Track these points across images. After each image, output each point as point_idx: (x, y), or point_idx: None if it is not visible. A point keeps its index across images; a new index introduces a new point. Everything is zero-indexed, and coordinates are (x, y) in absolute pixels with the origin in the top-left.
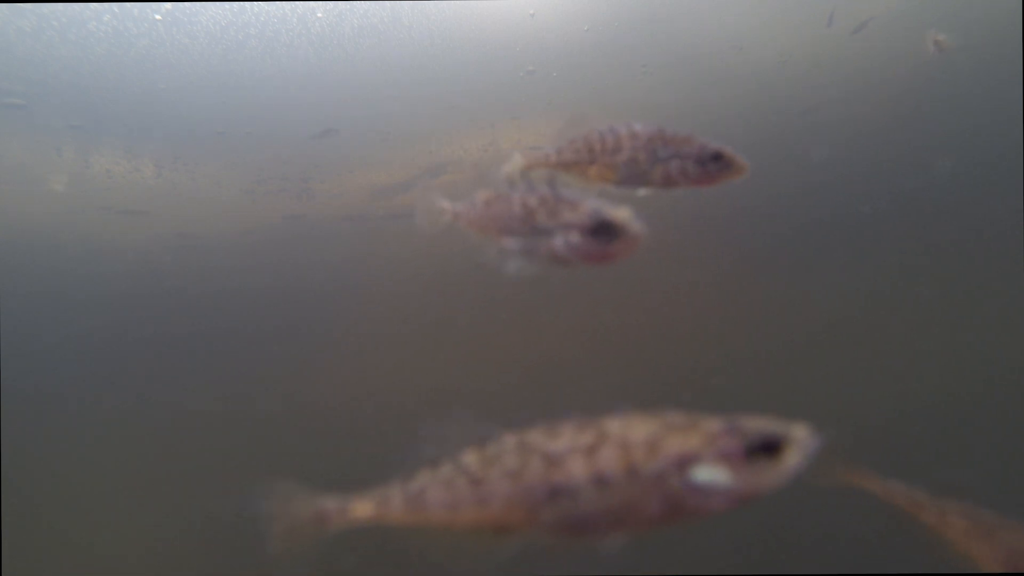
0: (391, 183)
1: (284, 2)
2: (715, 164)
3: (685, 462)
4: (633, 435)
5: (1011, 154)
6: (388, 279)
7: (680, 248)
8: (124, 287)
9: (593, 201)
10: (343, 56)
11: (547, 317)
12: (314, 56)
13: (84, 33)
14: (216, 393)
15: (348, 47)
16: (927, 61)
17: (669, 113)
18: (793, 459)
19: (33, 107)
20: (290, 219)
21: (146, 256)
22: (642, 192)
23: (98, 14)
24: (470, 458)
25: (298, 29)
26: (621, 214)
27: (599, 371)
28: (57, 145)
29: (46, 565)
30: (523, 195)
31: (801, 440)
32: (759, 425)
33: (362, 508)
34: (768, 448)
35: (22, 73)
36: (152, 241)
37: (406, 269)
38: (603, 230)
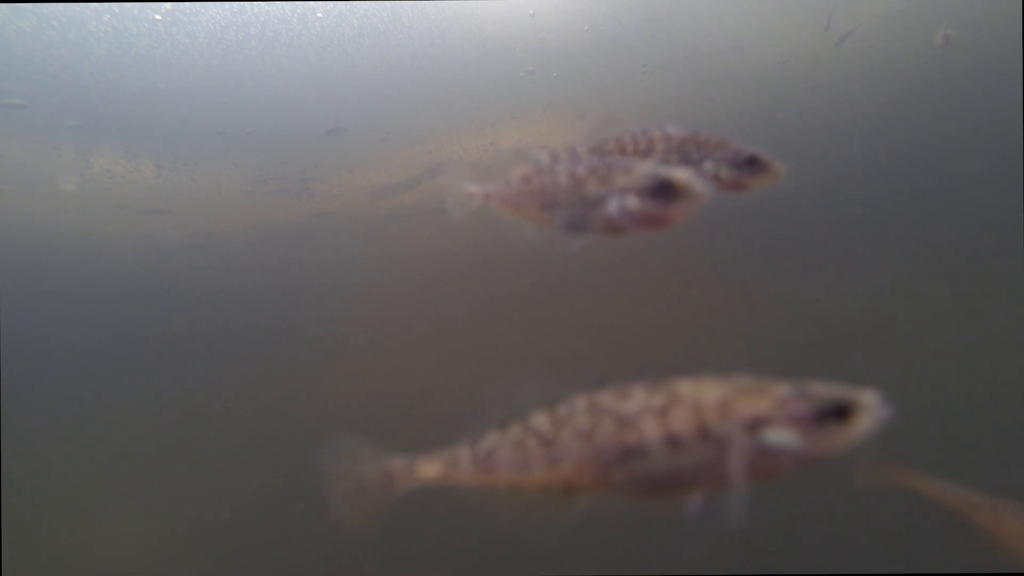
0: (391, 183)
1: (284, 2)
2: (750, 168)
3: (756, 424)
4: (704, 397)
5: (1011, 154)
6: (388, 279)
7: (681, 247)
8: (124, 287)
9: (647, 164)
10: (343, 56)
11: (549, 316)
12: (314, 56)
13: (84, 33)
14: (216, 393)
15: (348, 47)
16: (927, 61)
17: (669, 113)
18: (862, 425)
19: (33, 107)
20: (321, 216)
21: (146, 256)
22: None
23: (98, 14)
24: (540, 419)
25: (298, 29)
26: (681, 174)
27: (600, 370)
28: (57, 145)
29: (46, 565)
30: (569, 166)
31: (870, 406)
32: (827, 390)
33: (429, 468)
34: (837, 413)
35: (22, 73)
36: (152, 241)
37: (407, 268)
38: (663, 191)
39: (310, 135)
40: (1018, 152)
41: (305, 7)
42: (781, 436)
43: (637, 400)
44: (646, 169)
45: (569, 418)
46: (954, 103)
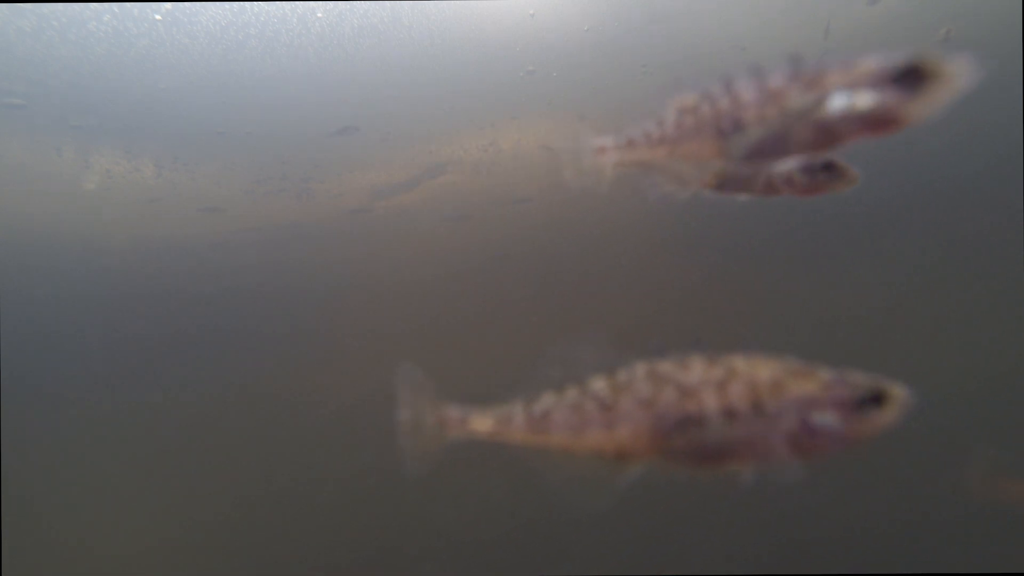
0: (391, 183)
1: (284, 2)
2: (825, 174)
3: (805, 405)
4: (758, 375)
5: (1011, 154)
6: (389, 279)
7: (682, 246)
8: (124, 287)
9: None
10: (343, 56)
11: (552, 315)
12: (314, 56)
13: (84, 33)
14: (216, 392)
15: (348, 47)
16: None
17: None
18: (894, 413)
19: (33, 107)
20: (324, 216)
21: (146, 256)
22: (741, 199)
23: (98, 14)
24: (599, 384)
25: (298, 29)
26: (930, 54)
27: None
28: (57, 145)
29: (46, 565)
30: (755, 79)
31: (901, 397)
32: (865, 379)
33: (482, 422)
34: (873, 401)
35: (22, 73)
36: (152, 241)
37: (407, 268)
38: (907, 77)
39: (310, 135)
40: (1018, 152)
41: (305, 7)
42: (826, 418)
43: (696, 372)
44: (873, 60)
45: (629, 384)
46: (954, 103)
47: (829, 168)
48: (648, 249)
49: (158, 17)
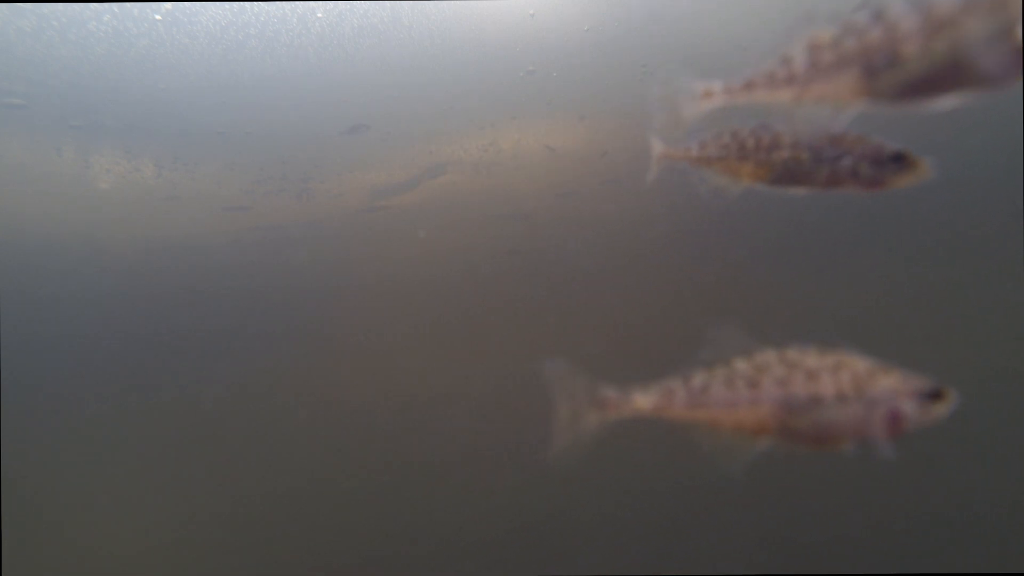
0: (391, 183)
1: (284, 2)
2: (894, 166)
3: (895, 394)
4: (858, 366)
5: (1011, 154)
6: (389, 279)
7: (683, 246)
8: (124, 287)
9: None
10: (343, 56)
11: (554, 314)
12: (314, 56)
13: (84, 33)
14: (216, 394)
15: (348, 47)
16: None
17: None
18: (947, 408)
19: (33, 107)
20: (322, 215)
21: (146, 256)
22: (797, 193)
23: (98, 14)
24: (741, 365)
25: (298, 29)
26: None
27: (605, 369)
28: (57, 145)
29: (46, 565)
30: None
31: (953, 396)
32: (923, 380)
33: (644, 400)
34: (934, 397)
35: (22, 73)
36: (152, 241)
37: (408, 268)
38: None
39: (310, 135)
40: (1018, 152)
41: (305, 7)
42: (910, 406)
43: (814, 359)
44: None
45: (767, 367)
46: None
47: (899, 159)
48: (657, 247)
49: (158, 17)
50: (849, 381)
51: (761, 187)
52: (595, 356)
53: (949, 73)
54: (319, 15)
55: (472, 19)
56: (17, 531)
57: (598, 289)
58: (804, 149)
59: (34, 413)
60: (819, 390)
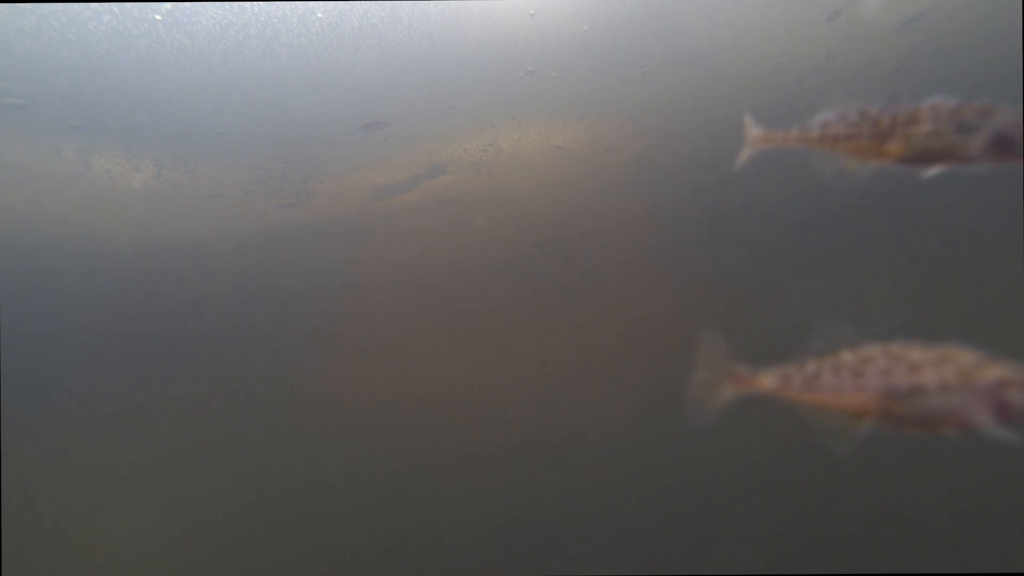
0: (391, 183)
1: (284, 2)
2: None
3: (1000, 384)
4: (963, 358)
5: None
6: (389, 278)
7: (684, 246)
8: (124, 287)
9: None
10: (343, 56)
11: (557, 314)
12: (314, 56)
13: (84, 33)
14: (216, 392)
15: (348, 47)
16: (927, 60)
17: (670, 112)
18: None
19: (33, 107)
20: (322, 215)
21: (146, 256)
22: (930, 172)
23: (98, 14)
24: (847, 356)
25: (298, 29)
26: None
27: (607, 368)
28: (57, 145)
29: (46, 565)
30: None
31: None
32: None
33: (768, 380)
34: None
35: (22, 73)
36: (152, 241)
37: (408, 268)
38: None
39: (310, 135)
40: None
41: (305, 7)
42: (1015, 396)
43: (917, 353)
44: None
45: (872, 358)
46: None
47: None
48: (659, 247)
49: (158, 17)
50: (954, 372)
51: (893, 167)
52: (595, 356)
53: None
54: (319, 15)
55: (472, 19)
56: (17, 531)
57: (599, 289)
58: (946, 121)
59: (34, 412)
60: (921, 380)
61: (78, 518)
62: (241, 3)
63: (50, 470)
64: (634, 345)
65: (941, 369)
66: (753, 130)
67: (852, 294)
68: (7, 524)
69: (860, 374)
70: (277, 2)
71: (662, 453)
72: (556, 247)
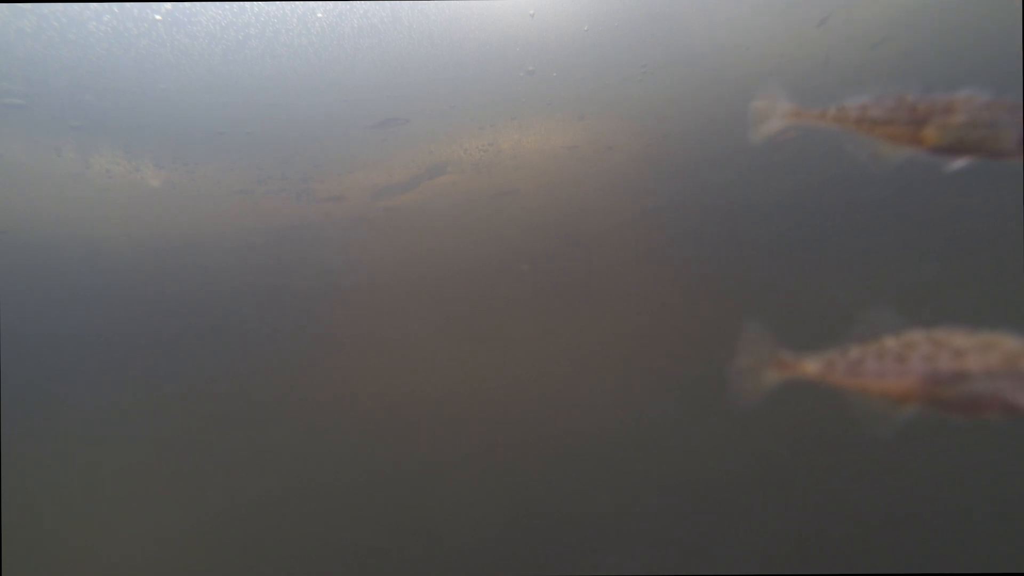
0: (391, 183)
1: (284, 2)
2: None
3: None
4: (1008, 345)
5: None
6: (389, 279)
7: (685, 246)
8: (124, 288)
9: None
10: (343, 56)
11: (558, 314)
12: (314, 56)
13: (84, 33)
14: (216, 394)
15: (348, 47)
16: (927, 60)
17: (671, 113)
18: None
19: (33, 107)
20: (322, 216)
21: (146, 256)
22: (958, 164)
23: (98, 14)
24: (890, 342)
25: (298, 29)
26: None
27: (609, 369)
28: (57, 145)
29: (46, 566)
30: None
31: None
32: None
33: (812, 366)
34: None
35: (22, 73)
36: (152, 241)
37: (408, 268)
38: None
39: (311, 135)
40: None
41: (305, 7)
42: None
43: (961, 339)
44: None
45: (915, 344)
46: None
47: None
48: (660, 248)
49: (158, 17)
50: (999, 358)
51: (923, 156)
52: (595, 356)
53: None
54: (319, 15)
55: (472, 19)
56: (17, 531)
57: (600, 289)
58: (980, 113)
59: (34, 413)
60: (966, 365)
61: (78, 518)
62: (241, 3)
63: (50, 470)
64: (639, 344)
65: (986, 355)
66: (784, 104)
67: (850, 295)
68: (7, 524)
69: (904, 359)
70: (277, 2)
71: (669, 451)
72: (556, 247)
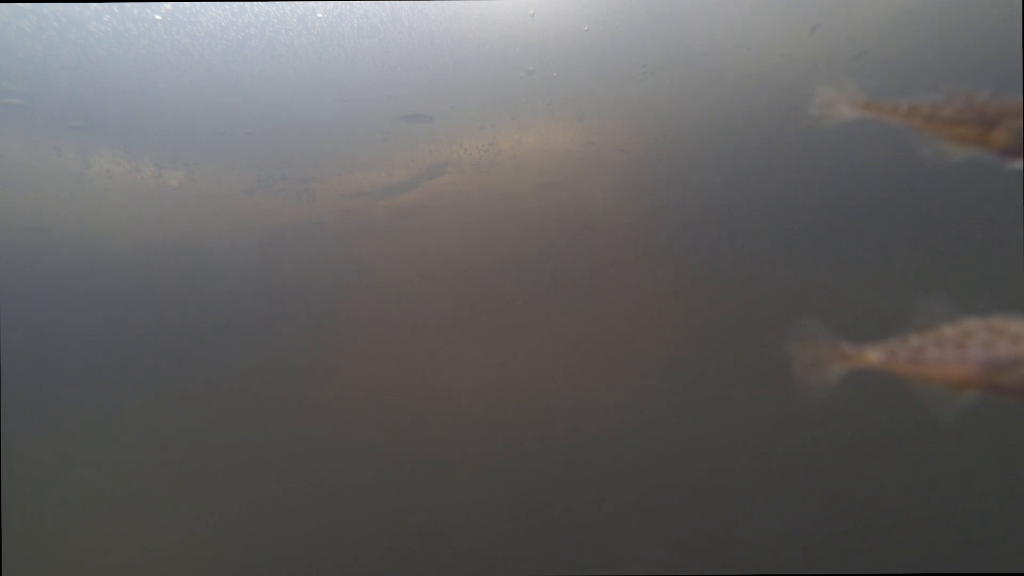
0: (391, 183)
1: (284, 2)
2: None
3: None
4: None
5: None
6: (389, 279)
7: (683, 249)
8: (124, 288)
9: None
10: (343, 56)
11: (559, 314)
12: (314, 56)
13: (84, 33)
14: (215, 395)
15: (348, 47)
16: (927, 60)
17: (671, 113)
18: None
19: (33, 107)
20: (322, 216)
21: (146, 256)
22: (1016, 165)
23: (98, 14)
24: (948, 331)
25: (298, 29)
26: None
27: (612, 369)
28: (57, 145)
29: (46, 566)
30: None
31: None
32: None
33: (874, 355)
34: None
35: (22, 73)
36: (152, 241)
37: (408, 268)
38: None
39: (311, 135)
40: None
41: (305, 7)
42: None
43: (1018, 326)
44: None
45: (973, 332)
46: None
47: None
48: (662, 248)
49: (158, 17)
50: None
51: (991, 156)
52: (594, 356)
53: None
54: (319, 15)
55: (472, 19)
56: (17, 531)
57: (600, 290)
58: None
59: (34, 414)
60: (1022, 351)
61: (79, 519)
62: (241, 3)
63: (50, 470)
64: (639, 344)
65: None
66: (855, 94)
67: (852, 295)
68: (7, 524)
69: (962, 346)
70: (277, 2)
71: (674, 450)
72: (557, 247)
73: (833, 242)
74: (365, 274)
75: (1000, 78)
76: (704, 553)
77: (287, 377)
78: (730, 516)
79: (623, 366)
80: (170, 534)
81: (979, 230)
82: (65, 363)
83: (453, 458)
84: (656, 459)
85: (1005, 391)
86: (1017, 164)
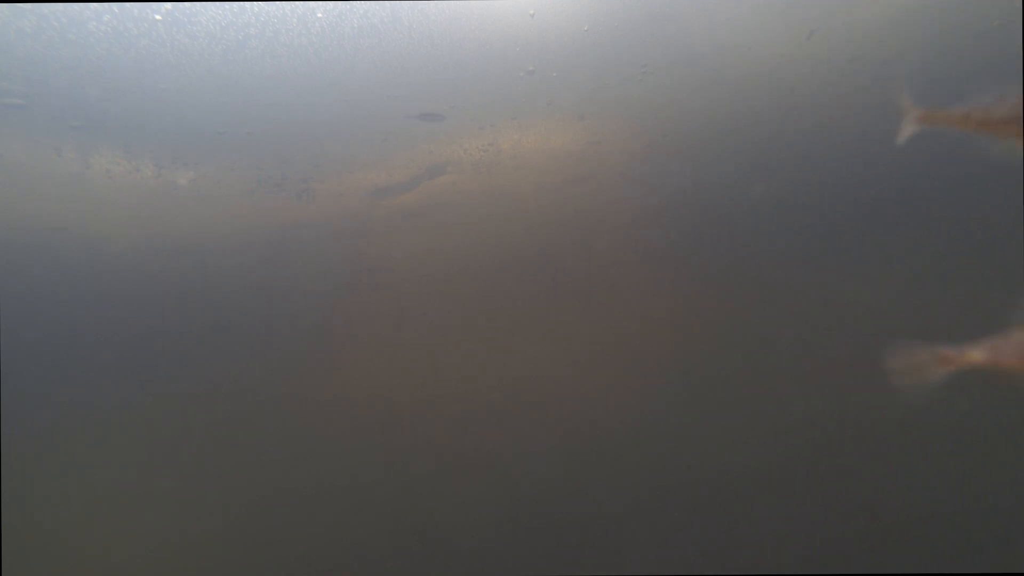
0: (391, 183)
1: (284, 2)
2: None
3: None
4: None
5: (1011, 152)
6: (389, 279)
7: (683, 249)
8: (124, 288)
9: None
10: (343, 56)
11: (559, 314)
12: (314, 56)
13: (84, 33)
14: (215, 395)
15: (348, 47)
16: (927, 60)
17: (671, 113)
18: None
19: (33, 107)
20: (322, 216)
21: (146, 256)
22: None
23: (98, 14)
24: None
25: (298, 29)
26: None
27: (612, 369)
28: (57, 145)
29: (46, 566)
30: None
31: None
32: None
33: (978, 354)
34: None
35: (22, 73)
36: (152, 241)
37: (407, 268)
38: None
39: (311, 135)
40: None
41: (305, 7)
42: None
43: None
44: None
45: None
46: (955, 100)
47: None
48: (663, 248)
49: (158, 17)
50: None
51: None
52: (595, 356)
53: None
54: (319, 15)
55: (472, 19)
56: (17, 531)
57: (601, 290)
58: None
59: (34, 414)
60: None
61: (79, 519)
62: (241, 3)
63: (50, 470)
64: (639, 344)
65: None
66: (912, 109)
67: (852, 295)
68: (7, 524)
69: None
70: (277, 2)
71: (677, 451)
72: (557, 247)
73: (834, 242)
74: (365, 274)
75: (1000, 78)
76: (708, 554)
77: (288, 377)
78: (732, 516)
79: (625, 366)
80: (170, 534)
81: (979, 230)
82: (65, 363)
83: (454, 458)
84: (659, 459)
85: None
86: None
